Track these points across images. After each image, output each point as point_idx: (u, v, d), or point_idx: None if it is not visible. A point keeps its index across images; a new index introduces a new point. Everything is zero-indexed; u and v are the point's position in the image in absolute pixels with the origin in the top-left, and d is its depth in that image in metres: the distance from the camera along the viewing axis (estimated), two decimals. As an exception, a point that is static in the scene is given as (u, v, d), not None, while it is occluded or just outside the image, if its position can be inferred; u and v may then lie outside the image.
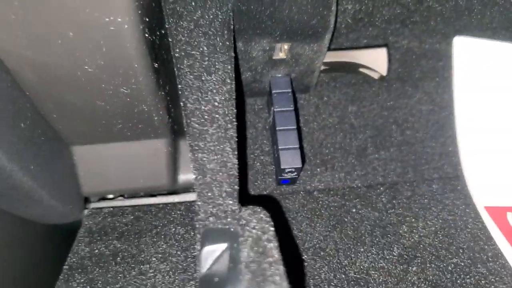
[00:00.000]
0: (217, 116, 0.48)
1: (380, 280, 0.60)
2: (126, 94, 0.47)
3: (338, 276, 0.61)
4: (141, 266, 0.59)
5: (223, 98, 0.49)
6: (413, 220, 0.67)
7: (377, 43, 0.79)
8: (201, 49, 0.51)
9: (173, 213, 0.66)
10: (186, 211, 0.66)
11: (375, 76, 0.78)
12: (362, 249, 0.63)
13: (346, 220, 0.67)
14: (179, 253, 0.61)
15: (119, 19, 0.38)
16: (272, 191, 0.71)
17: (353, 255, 0.63)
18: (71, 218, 0.63)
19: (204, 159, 0.45)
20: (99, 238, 0.63)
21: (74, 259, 0.60)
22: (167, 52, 0.52)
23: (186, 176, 0.65)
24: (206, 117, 0.48)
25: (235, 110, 0.48)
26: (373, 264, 0.62)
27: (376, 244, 0.64)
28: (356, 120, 0.78)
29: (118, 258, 0.60)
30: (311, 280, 0.61)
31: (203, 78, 0.50)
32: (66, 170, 0.59)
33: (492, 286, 0.59)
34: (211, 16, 0.52)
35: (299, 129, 0.69)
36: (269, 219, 0.41)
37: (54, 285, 0.58)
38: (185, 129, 0.48)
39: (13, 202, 0.52)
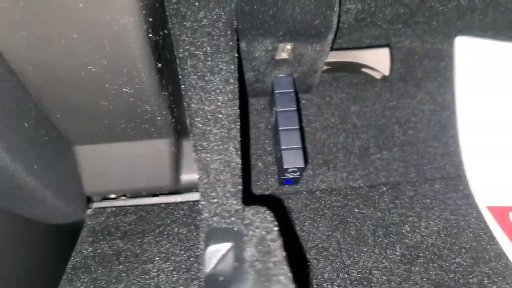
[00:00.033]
0: (220, 116, 0.48)
1: (383, 279, 0.60)
2: (129, 94, 0.47)
3: (341, 275, 0.61)
4: (145, 266, 0.59)
5: (226, 98, 0.49)
6: (416, 220, 0.67)
7: (379, 43, 0.79)
8: (204, 49, 0.51)
9: (176, 212, 0.66)
10: (189, 210, 0.66)
11: (378, 76, 0.78)
12: (365, 249, 0.63)
13: (348, 220, 0.67)
14: (182, 252, 0.61)
15: (124, 20, 0.38)
16: (275, 191, 0.71)
17: (356, 255, 0.63)
18: (74, 218, 0.63)
19: (208, 159, 0.46)
20: (102, 237, 0.63)
21: (77, 259, 0.60)
22: (170, 52, 0.52)
23: (188, 176, 0.65)
24: (209, 117, 0.48)
25: (238, 110, 0.49)
26: (376, 264, 0.62)
27: (379, 244, 0.64)
28: (358, 120, 0.78)
29: (122, 258, 0.60)
30: (314, 280, 0.61)
31: (206, 78, 0.50)
32: (69, 170, 0.59)
33: (495, 286, 0.59)
34: (215, 17, 0.52)
35: (301, 129, 0.69)
36: (273, 218, 0.41)
37: (57, 284, 0.58)
38: (188, 129, 0.48)
39: (17, 202, 0.53)
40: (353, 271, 0.61)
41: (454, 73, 0.75)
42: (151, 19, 0.41)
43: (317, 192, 0.70)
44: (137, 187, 0.64)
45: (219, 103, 0.48)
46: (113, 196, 0.69)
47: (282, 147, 0.63)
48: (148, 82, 0.46)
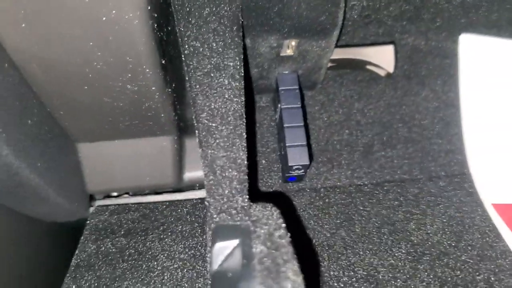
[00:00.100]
0: (226, 112, 0.47)
1: (389, 277, 0.60)
2: (133, 91, 0.47)
3: (346, 273, 0.61)
4: (149, 263, 0.59)
5: (232, 95, 0.48)
6: (421, 217, 0.67)
7: (383, 40, 0.79)
8: (210, 45, 0.51)
9: (179, 210, 0.65)
10: (192, 208, 0.66)
11: (382, 73, 0.78)
12: (370, 247, 0.63)
13: (353, 217, 0.66)
14: (186, 250, 0.60)
15: (129, 15, 0.38)
16: (278, 189, 0.71)
17: (361, 253, 0.63)
18: (76, 216, 0.63)
19: (214, 155, 0.45)
20: (105, 235, 0.62)
21: (81, 257, 0.60)
22: (174, 48, 0.51)
23: (192, 173, 0.64)
24: (215, 113, 0.47)
25: (244, 107, 0.48)
26: (382, 262, 0.61)
27: (384, 242, 0.64)
28: (362, 118, 0.77)
29: (125, 256, 0.60)
30: (320, 278, 0.60)
31: (212, 75, 0.49)
32: (72, 167, 0.58)
33: (502, 283, 0.59)
34: (220, 13, 0.52)
35: (306, 126, 0.69)
36: (280, 215, 0.41)
37: (60, 283, 0.58)
38: (194, 126, 0.48)
39: (20, 200, 0.52)
40: (359, 268, 0.61)
41: (458, 71, 0.74)
42: (156, 15, 0.41)
43: (321, 190, 0.70)
44: (140, 184, 0.64)
45: (225, 99, 0.48)
46: (115, 194, 0.68)
47: (287, 144, 0.63)
48: (152, 79, 0.46)
